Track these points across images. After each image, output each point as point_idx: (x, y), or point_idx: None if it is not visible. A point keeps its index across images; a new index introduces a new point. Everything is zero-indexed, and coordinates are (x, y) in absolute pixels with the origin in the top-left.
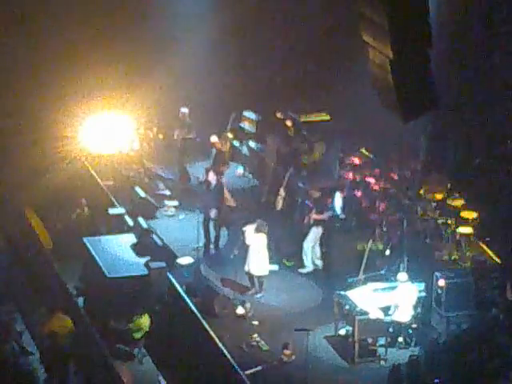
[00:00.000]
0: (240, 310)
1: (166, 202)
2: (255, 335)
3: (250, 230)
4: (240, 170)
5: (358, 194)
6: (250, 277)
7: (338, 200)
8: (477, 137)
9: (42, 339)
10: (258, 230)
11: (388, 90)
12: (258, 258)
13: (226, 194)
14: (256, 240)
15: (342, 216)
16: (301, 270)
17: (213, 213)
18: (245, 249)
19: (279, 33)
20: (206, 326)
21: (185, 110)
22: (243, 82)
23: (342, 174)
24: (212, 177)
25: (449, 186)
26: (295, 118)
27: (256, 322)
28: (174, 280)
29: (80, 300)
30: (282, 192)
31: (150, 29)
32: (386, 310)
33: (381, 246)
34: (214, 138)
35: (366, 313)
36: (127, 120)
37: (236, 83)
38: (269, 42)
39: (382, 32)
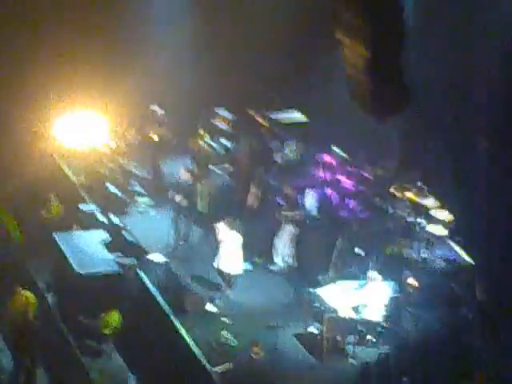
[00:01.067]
0: (210, 307)
1: (138, 199)
2: (225, 332)
3: (221, 226)
4: None
5: (329, 192)
6: (221, 274)
7: (310, 198)
8: (451, 135)
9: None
10: (231, 228)
11: (362, 89)
12: (231, 256)
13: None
14: (229, 237)
15: (314, 214)
16: (272, 268)
17: (186, 211)
18: (216, 246)
19: (253, 29)
20: (176, 323)
21: (155, 107)
22: (216, 79)
23: (314, 172)
24: (183, 173)
25: (420, 184)
26: (268, 115)
27: (226, 319)
28: (144, 276)
29: (50, 296)
30: (253, 189)
31: (122, 25)
32: (355, 308)
33: (351, 245)
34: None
35: (335, 310)
36: (101, 117)
37: (209, 80)
38: (242, 39)
39: (357, 30)
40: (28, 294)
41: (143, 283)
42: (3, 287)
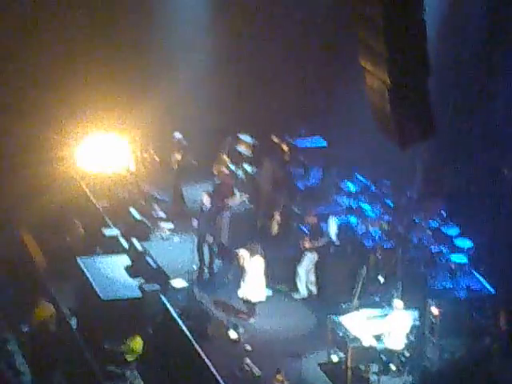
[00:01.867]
0: (233, 334)
1: (161, 225)
2: (248, 360)
3: (244, 253)
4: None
5: (353, 220)
6: (244, 301)
7: (333, 226)
8: (474, 165)
9: (29, 335)
10: (254, 254)
11: (385, 117)
12: (255, 283)
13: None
14: (252, 264)
15: (337, 242)
16: (294, 296)
17: (210, 239)
18: (239, 273)
19: (276, 56)
20: (199, 350)
21: (178, 134)
22: (239, 104)
23: (337, 199)
24: (206, 199)
25: (444, 213)
26: (291, 142)
27: (249, 347)
28: (167, 303)
29: (73, 321)
30: (276, 216)
31: (146, 50)
32: (379, 337)
33: (375, 273)
34: (218, 167)
35: (359, 340)
36: (123, 141)
37: (232, 106)
38: (265, 66)
39: (381, 58)
40: (51, 306)
41: (166, 309)
42: (26, 301)
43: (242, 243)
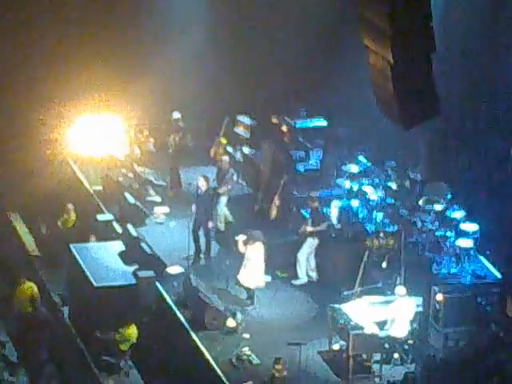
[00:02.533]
0: (231, 323)
1: (157, 209)
2: (246, 349)
3: (244, 239)
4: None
5: (355, 203)
6: (243, 288)
7: (335, 210)
8: (479, 146)
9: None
10: (254, 240)
11: (388, 96)
12: (254, 269)
13: (226, 211)
14: (253, 251)
15: (338, 226)
16: (294, 282)
17: (210, 224)
18: (238, 259)
19: (275, 34)
20: (195, 339)
21: (177, 114)
22: (238, 85)
23: (338, 182)
24: (202, 183)
25: (449, 196)
26: (291, 123)
27: (247, 335)
28: (162, 290)
29: (65, 309)
30: (276, 200)
31: (142, 29)
32: (381, 324)
33: (377, 259)
34: (215, 150)
35: (360, 327)
36: (117, 122)
37: (230, 87)
38: (264, 44)
39: (383, 35)
40: (33, 284)
41: (162, 297)
42: (8, 280)
43: (241, 228)
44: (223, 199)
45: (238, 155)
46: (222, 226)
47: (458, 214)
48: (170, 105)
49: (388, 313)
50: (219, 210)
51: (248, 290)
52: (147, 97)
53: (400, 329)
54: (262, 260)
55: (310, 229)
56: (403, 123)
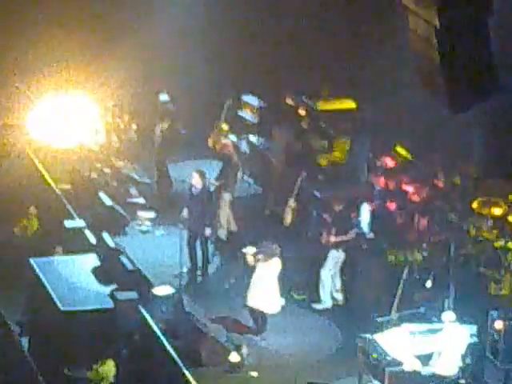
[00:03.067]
0: (234, 358)
1: (140, 214)
2: None
3: (252, 252)
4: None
5: (392, 206)
6: (253, 314)
7: (366, 214)
8: None
9: None
10: (267, 255)
11: (433, 70)
12: (267, 290)
13: (229, 216)
14: (265, 267)
15: (371, 235)
16: (315, 306)
17: (207, 231)
18: (245, 276)
19: None
20: (190, 378)
21: (164, 96)
22: (243, 57)
23: (371, 179)
24: (197, 181)
25: (510, 197)
26: (310, 105)
27: (255, 374)
28: (147, 316)
29: (24, 340)
30: (291, 202)
31: None
32: (425, 359)
33: (420, 276)
34: (215, 139)
35: (399, 363)
36: (90, 105)
37: (233, 59)
38: (276, 8)
39: None
40: None
41: (146, 324)
42: None
43: (248, 238)
44: (226, 200)
45: (244, 145)
46: (223, 235)
47: None
48: (157, 83)
49: (433, 345)
50: (221, 214)
51: (259, 315)
52: (128, 72)
53: (449, 365)
54: (274, 278)
55: (334, 239)
56: (452, 105)
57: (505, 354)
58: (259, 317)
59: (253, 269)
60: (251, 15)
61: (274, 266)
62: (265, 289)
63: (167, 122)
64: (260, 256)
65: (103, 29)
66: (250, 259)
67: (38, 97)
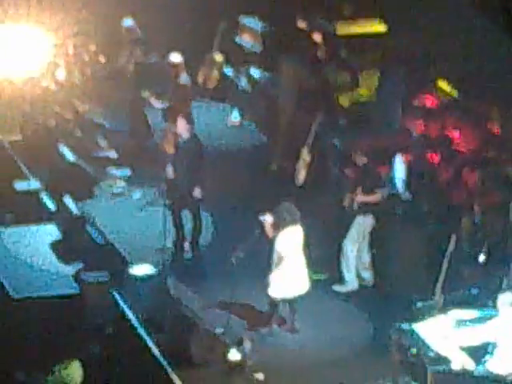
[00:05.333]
0: (234, 355)
1: (112, 171)
2: None
3: (271, 220)
4: (235, 118)
5: (434, 158)
6: (272, 301)
7: (400, 169)
8: None
9: None
10: (287, 222)
11: None
12: (293, 268)
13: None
14: (286, 239)
15: (406, 196)
16: (337, 288)
17: (197, 192)
18: (256, 251)
19: None
20: (176, 381)
21: (129, 22)
22: None
23: (406, 124)
24: (183, 126)
25: None
26: (328, 28)
27: (260, 376)
28: (122, 303)
29: None
30: (304, 155)
31: None
32: (478, 355)
33: (471, 248)
34: (175, 57)
35: (444, 360)
36: (44, 34)
37: None
38: None
39: None
40: None
41: (121, 314)
42: None
43: (250, 199)
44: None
45: (243, 81)
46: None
47: None
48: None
49: (488, 336)
50: (217, 169)
51: (281, 301)
52: None
53: (507, 361)
54: (298, 251)
55: (360, 199)
56: (509, 27)
57: None
58: (279, 303)
59: (270, 241)
60: None
61: (296, 235)
62: (288, 267)
63: (142, 51)
64: (281, 223)
65: None
66: (268, 228)
67: None
